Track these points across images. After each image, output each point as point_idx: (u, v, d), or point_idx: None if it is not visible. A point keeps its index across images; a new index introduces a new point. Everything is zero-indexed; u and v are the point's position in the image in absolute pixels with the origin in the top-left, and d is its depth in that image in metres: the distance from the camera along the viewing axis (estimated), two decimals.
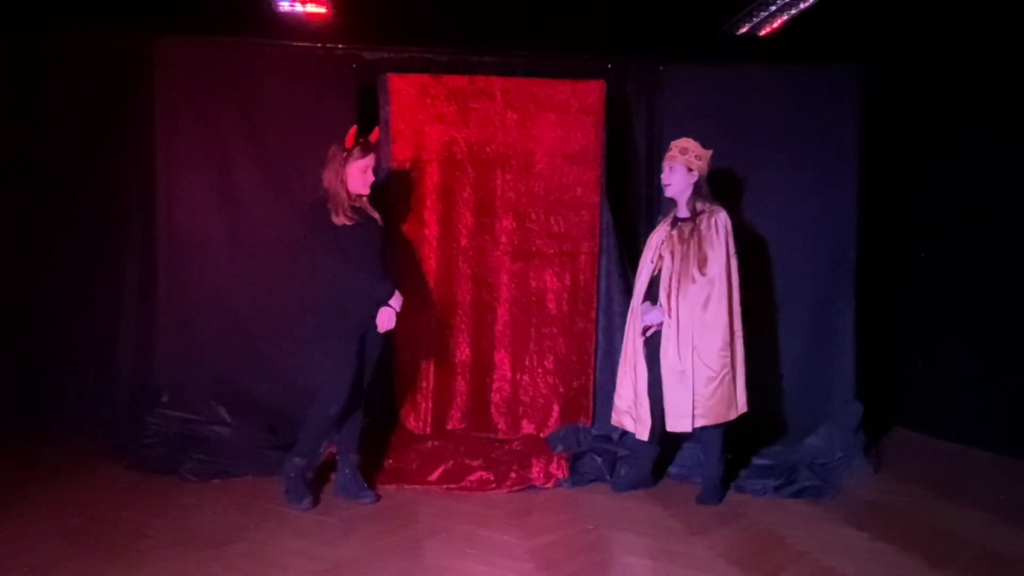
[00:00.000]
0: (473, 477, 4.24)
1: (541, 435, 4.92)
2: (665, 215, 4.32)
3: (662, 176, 4.17)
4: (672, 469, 4.44)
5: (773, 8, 4.54)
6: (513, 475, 4.27)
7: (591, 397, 5.03)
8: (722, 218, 4.04)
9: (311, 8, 4.55)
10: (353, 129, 3.87)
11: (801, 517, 3.90)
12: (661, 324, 4.01)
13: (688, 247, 4.02)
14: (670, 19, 4.83)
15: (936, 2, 4.70)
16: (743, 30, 4.83)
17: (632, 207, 5.29)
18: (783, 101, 4.89)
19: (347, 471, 4.00)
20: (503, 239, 5.02)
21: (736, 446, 4.28)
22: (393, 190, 4.85)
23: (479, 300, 5.05)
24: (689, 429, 4.01)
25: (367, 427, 4.17)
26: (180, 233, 4.78)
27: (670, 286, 4.01)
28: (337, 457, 4.06)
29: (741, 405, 4.04)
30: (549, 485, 4.26)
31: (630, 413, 4.19)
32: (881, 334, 5.32)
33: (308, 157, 4.25)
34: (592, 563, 3.36)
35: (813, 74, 4.90)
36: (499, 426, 5.03)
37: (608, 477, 4.34)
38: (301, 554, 3.32)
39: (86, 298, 5.04)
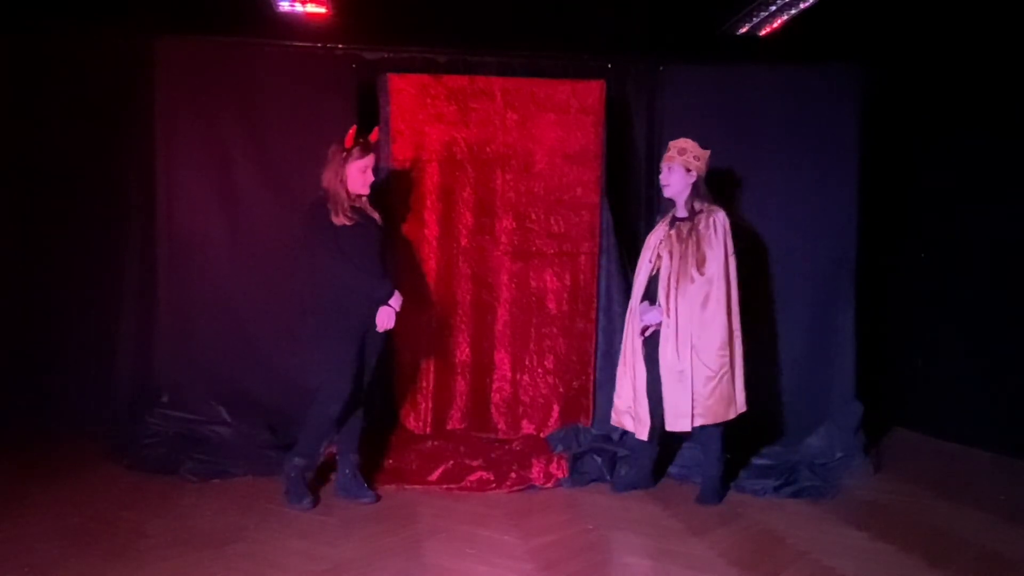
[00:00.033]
0: (473, 477, 4.24)
1: (541, 435, 4.92)
2: (664, 215, 4.32)
3: (660, 176, 4.17)
4: (672, 469, 4.44)
5: (773, 8, 4.54)
6: (513, 475, 4.27)
7: (591, 397, 5.03)
8: (720, 218, 4.04)
9: (311, 8, 4.55)
10: (353, 129, 3.87)
11: (801, 517, 3.90)
12: (660, 324, 4.02)
13: (686, 247, 4.02)
14: (670, 19, 4.83)
15: (936, 2, 4.70)
16: (743, 30, 4.83)
17: (632, 207, 5.28)
18: (783, 101, 4.89)
19: (347, 471, 4.00)
20: (503, 239, 5.02)
21: (736, 446, 4.28)
22: (393, 190, 4.85)
23: (479, 300, 5.05)
24: (688, 428, 4.01)
25: (367, 427, 4.16)
26: (180, 233, 4.79)
27: (669, 286, 4.01)
28: (337, 457, 4.06)
29: (740, 404, 4.05)
30: (549, 485, 4.26)
31: (630, 413, 4.19)
32: (881, 334, 5.31)
33: (308, 157, 4.25)
34: (592, 563, 3.36)
35: (813, 74, 4.90)
36: (499, 426, 5.03)
37: (608, 477, 4.34)
38: (301, 554, 3.32)
39: (86, 298, 5.03)
